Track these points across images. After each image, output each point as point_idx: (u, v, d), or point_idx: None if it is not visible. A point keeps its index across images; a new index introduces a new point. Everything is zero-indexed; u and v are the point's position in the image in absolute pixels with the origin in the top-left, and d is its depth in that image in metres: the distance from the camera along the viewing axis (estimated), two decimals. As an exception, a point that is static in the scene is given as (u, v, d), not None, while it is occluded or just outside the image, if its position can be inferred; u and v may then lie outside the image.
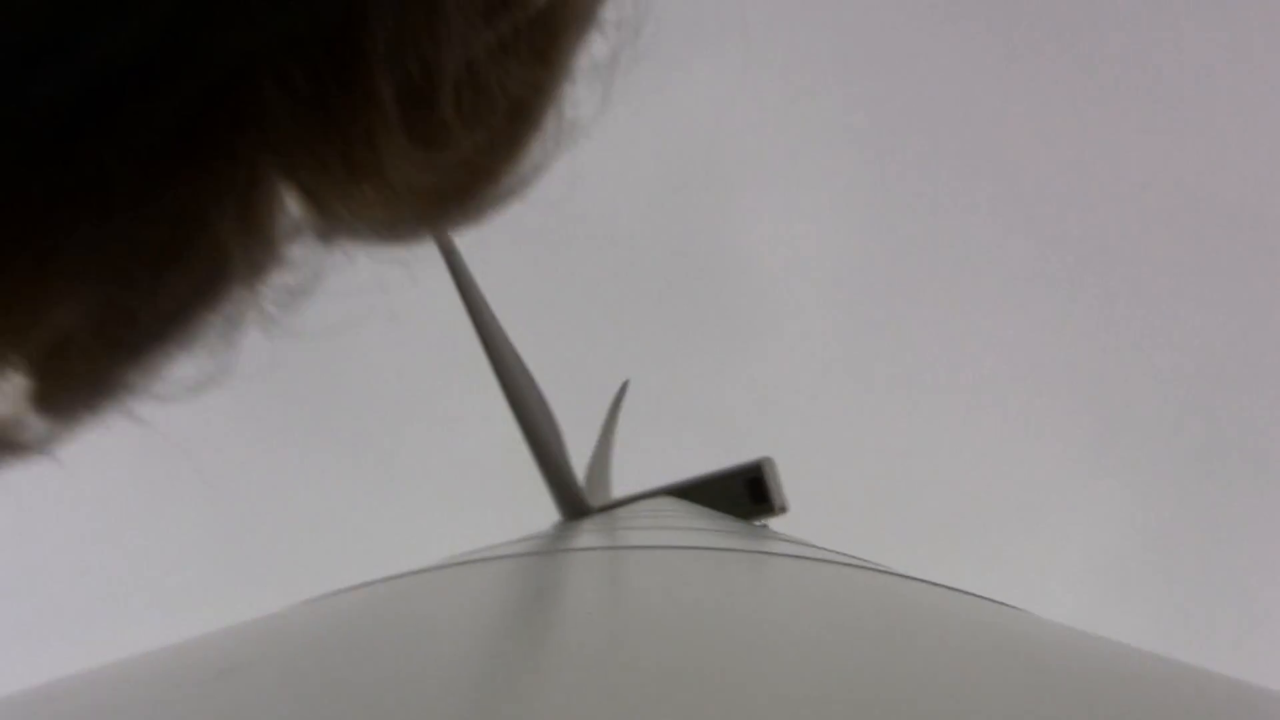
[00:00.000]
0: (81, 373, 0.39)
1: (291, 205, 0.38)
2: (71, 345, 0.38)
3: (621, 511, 5.59)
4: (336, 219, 0.39)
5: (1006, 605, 2.28)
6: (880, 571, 2.70)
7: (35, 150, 0.34)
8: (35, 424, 0.41)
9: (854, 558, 3.09)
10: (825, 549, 3.38)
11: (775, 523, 6.64)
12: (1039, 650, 1.75)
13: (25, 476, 0.42)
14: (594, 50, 0.39)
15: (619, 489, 6.79)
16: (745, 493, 7.01)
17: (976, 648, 1.70)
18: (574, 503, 5.81)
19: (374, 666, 1.48)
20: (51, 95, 0.33)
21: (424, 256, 0.43)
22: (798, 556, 3.14)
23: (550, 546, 3.22)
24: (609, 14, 0.39)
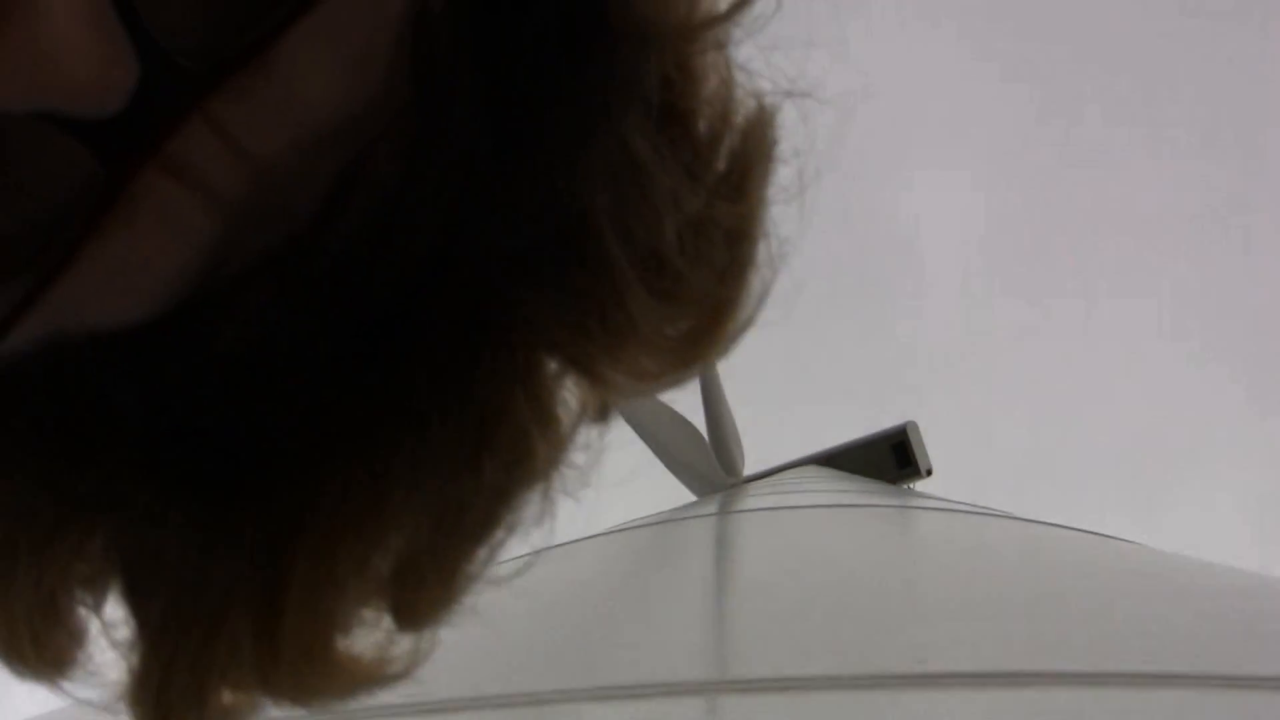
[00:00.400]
0: (432, 572, 0.42)
1: (571, 394, 0.43)
2: (418, 549, 0.41)
3: (764, 481, 5.73)
4: (609, 383, 0.43)
5: (1126, 540, 2.39)
6: (1011, 519, 2.83)
7: (356, 384, 0.39)
8: (399, 650, 0.44)
9: (991, 509, 3.20)
10: (965, 503, 3.49)
11: (921, 486, 6.68)
12: (1153, 575, 1.87)
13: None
14: (782, 178, 0.44)
15: (768, 461, 6.89)
16: (891, 457, 7.05)
17: (1101, 577, 1.83)
18: (708, 479, 5.93)
19: (554, 602, 1.67)
20: (361, 335, 0.38)
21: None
22: (938, 509, 3.26)
23: (691, 513, 3.39)
24: (787, 147, 0.44)
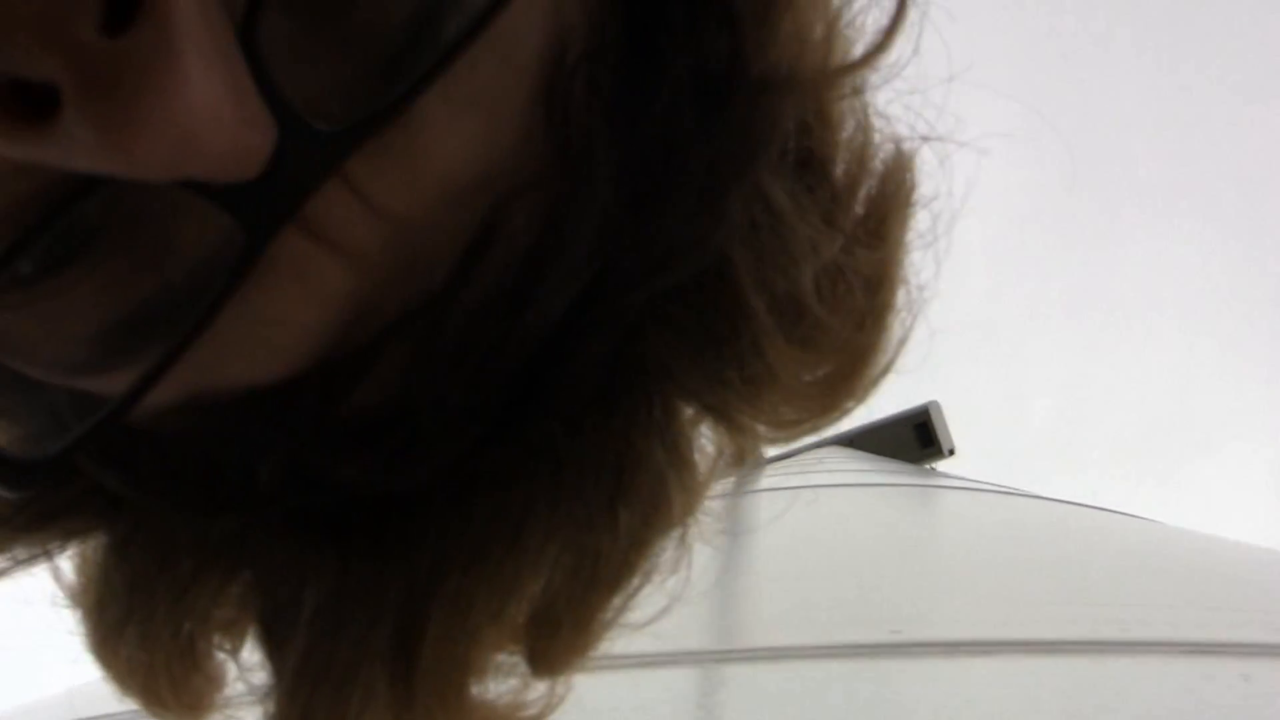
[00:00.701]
0: (567, 620, 0.42)
1: (709, 440, 0.44)
2: (554, 597, 0.41)
3: (783, 462, 5.76)
4: (748, 431, 0.43)
5: (1144, 518, 2.42)
6: (1024, 496, 2.85)
7: (493, 434, 0.38)
8: (534, 696, 0.44)
9: (1007, 487, 3.23)
10: (986, 482, 3.52)
11: (944, 466, 6.70)
12: (1170, 551, 1.90)
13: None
14: (919, 223, 0.44)
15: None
16: (913, 437, 7.06)
17: (1118, 553, 1.87)
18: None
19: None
20: (498, 387, 0.38)
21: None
22: (956, 488, 3.29)
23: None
24: (923, 193, 0.44)
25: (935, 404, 7.08)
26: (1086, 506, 2.45)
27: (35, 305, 0.31)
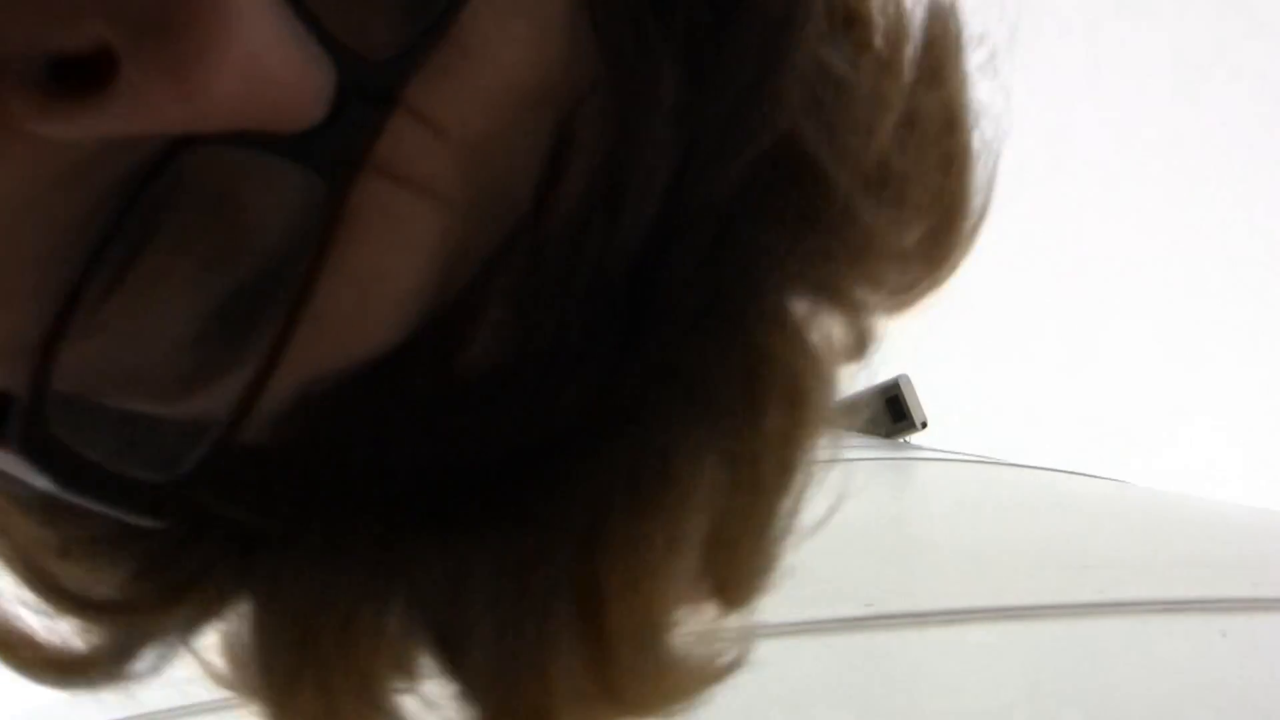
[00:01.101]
0: (742, 536, 0.41)
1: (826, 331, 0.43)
2: (722, 516, 0.40)
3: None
4: (862, 305, 0.42)
5: (1118, 480, 2.45)
6: (1004, 464, 2.88)
7: (612, 363, 0.37)
8: (728, 637, 0.43)
9: (983, 456, 3.26)
10: (957, 452, 3.55)
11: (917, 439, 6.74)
12: (1144, 511, 1.92)
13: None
14: (974, 58, 0.44)
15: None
16: (885, 412, 7.09)
17: (1092, 515, 1.88)
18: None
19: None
20: (605, 311, 0.37)
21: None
22: (931, 459, 3.32)
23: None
24: (975, 28, 0.43)
25: (905, 377, 7.12)
26: (1059, 471, 2.47)
27: (126, 318, 0.30)
